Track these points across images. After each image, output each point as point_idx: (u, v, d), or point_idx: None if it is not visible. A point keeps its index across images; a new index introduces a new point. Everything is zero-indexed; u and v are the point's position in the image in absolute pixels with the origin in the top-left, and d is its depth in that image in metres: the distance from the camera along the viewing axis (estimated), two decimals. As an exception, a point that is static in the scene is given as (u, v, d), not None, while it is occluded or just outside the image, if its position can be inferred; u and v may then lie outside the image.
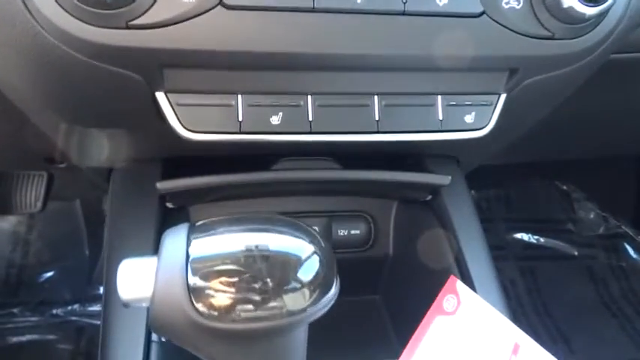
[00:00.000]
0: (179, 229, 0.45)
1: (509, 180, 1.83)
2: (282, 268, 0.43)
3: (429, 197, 0.85)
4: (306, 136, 0.65)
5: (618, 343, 1.54)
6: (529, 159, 1.36)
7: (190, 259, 0.42)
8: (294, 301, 0.42)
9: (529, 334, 0.67)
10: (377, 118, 0.66)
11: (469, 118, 0.69)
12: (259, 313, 0.42)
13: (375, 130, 0.67)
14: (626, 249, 1.79)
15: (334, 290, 0.45)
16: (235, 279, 0.41)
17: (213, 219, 0.45)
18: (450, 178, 0.79)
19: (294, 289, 0.42)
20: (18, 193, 1.42)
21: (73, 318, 1.45)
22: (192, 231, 0.44)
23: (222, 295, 0.41)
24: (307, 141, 0.66)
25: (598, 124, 1.12)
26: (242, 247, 0.43)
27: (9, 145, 0.94)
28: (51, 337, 1.41)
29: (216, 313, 0.41)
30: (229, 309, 0.41)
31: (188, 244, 0.43)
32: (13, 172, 1.34)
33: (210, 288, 0.41)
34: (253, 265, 0.42)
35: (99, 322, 0.67)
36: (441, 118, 0.68)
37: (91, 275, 1.56)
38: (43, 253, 1.60)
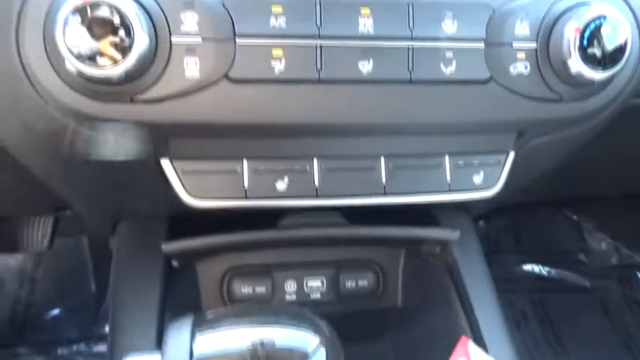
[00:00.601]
0: (183, 323, 0.43)
1: (518, 210, 1.80)
2: (289, 365, 0.41)
3: (438, 250, 0.84)
4: (312, 200, 0.65)
5: (633, 378, 1.51)
6: (539, 199, 1.34)
7: (194, 358, 0.41)
8: (301, 400, 0.41)
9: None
10: (384, 182, 0.65)
11: (478, 179, 0.68)
12: (265, 415, 0.40)
13: (382, 192, 0.66)
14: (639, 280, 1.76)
15: None
16: (241, 378, 0.40)
17: (218, 311, 0.44)
18: (458, 233, 0.78)
19: (302, 388, 0.41)
20: (25, 233, 1.42)
21: (80, 358, 1.44)
22: (197, 326, 0.43)
23: None
24: (313, 205, 0.65)
25: (611, 165, 1.10)
26: (247, 343, 0.41)
27: (14, 196, 0.94)
28: (57, 378, 1.40)
29: (220, 418, 0.40)
30: (234, 413, 0.40)
31: (192, 340, 0.42)
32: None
33: (215, 389, 0.40)
34: (259, 363, 0.41)
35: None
36: (449, 179, 0.67)
37: (98, 312, 1.55)
38: (49, 290, 1.59)
